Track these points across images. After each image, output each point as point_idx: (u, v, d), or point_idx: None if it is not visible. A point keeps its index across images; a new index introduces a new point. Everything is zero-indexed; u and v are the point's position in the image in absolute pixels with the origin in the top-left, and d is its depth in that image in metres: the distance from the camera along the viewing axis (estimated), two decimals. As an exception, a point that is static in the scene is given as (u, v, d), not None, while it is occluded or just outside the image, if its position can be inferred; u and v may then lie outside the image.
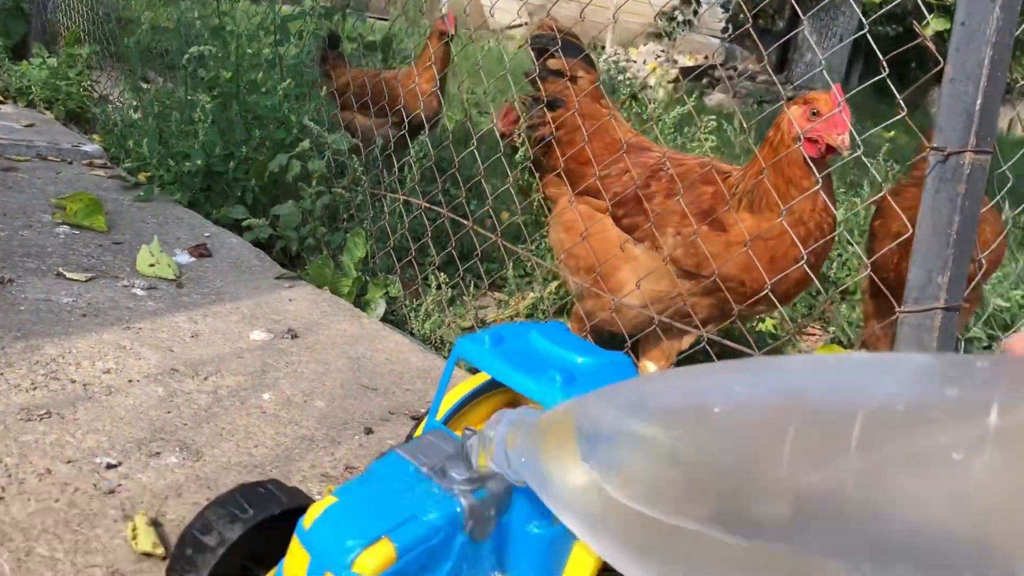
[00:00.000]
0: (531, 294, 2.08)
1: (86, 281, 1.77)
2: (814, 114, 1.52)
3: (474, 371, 0.99)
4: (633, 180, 1.75)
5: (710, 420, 0.50)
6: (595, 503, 0.57)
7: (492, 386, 0.96)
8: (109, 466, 1.13)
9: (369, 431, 1.34)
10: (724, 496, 0.48)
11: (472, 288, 2.24)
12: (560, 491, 0.63)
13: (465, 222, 1.91)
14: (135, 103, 3.09)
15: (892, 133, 4.39)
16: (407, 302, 2.13)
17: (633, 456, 0.55)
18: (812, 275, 1.56)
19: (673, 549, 0.51)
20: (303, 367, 1.54)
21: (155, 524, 1.01)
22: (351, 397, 1.46)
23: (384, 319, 2.00)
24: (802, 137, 1.53)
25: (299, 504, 0.83)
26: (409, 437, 1.02)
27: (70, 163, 2.74)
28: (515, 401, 0.97)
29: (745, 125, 2.84)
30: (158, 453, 1.18)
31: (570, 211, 1.82)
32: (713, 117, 3.33)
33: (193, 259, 2.03)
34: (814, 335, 2.75)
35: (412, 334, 1.99)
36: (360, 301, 2.05)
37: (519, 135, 2.06)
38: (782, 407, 0.47)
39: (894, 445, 0.42)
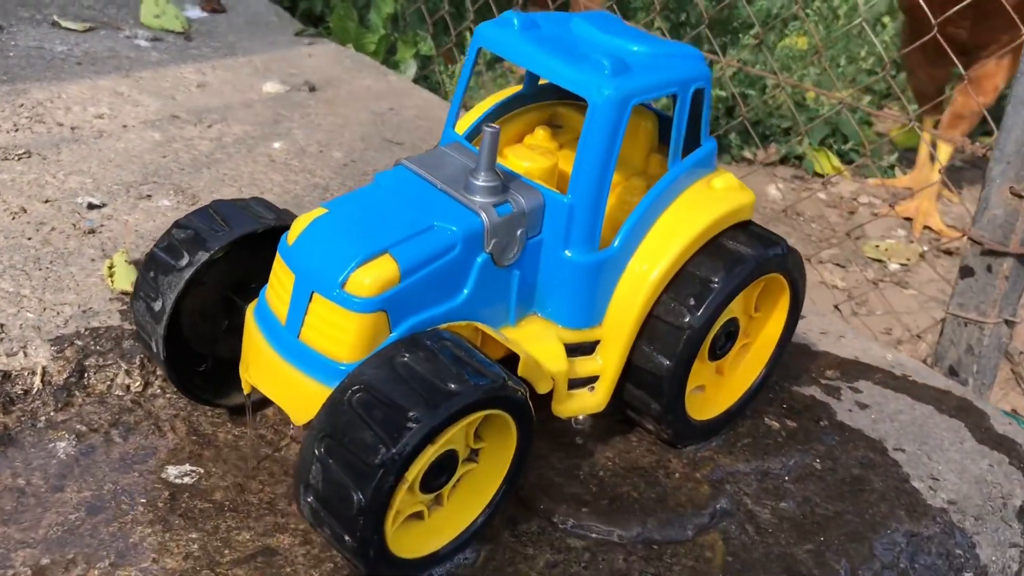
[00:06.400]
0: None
1: (84, 31, 1.60)
2: None
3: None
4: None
5: None
6: None
7: (525, 99, 0.78)
8: (92, 206, 0.99)
9: (391, 183, 1.19)
10: None
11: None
12: None
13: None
14: None
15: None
16: (442, 67, 1.92)
17: None
18: None
19: None
20: (320, 119, 1.37)
21: (137, 264, 0.88)
22: (372, 150, 1.30)
23: (415, 83, 1.81)
24: None
25: (288, 223, 0.68)
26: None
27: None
28: (553, 118, 0.80)
29: None
30: (149, 196, 1.04)
31: None
32: None
33: (205, 14, 1.83)
34: (891, 115, 2.50)
35: (446, 98, 1.81)
36: (389, 62, 1.86)
37: None
38: None
39: None
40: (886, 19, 2.56)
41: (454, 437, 0.57)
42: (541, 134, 0.76)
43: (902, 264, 1.78)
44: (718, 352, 0.74)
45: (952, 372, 1.13)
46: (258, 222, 0.67)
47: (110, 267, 0.86)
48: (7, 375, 0.73)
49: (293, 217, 0.69)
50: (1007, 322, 1.09)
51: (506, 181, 0.64)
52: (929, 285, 1.73)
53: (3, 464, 0.66)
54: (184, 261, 0.65)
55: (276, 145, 1.25)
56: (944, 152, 1.96)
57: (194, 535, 0.62)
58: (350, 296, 0.58)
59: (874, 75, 2.30)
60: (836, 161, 2.16)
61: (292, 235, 0.62)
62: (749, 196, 0.71)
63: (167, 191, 1.06)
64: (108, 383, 0.75)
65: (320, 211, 0.63)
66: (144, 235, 0.95)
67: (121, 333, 0.78)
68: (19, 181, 1.03)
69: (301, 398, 0.60)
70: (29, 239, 0.91)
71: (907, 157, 2.29)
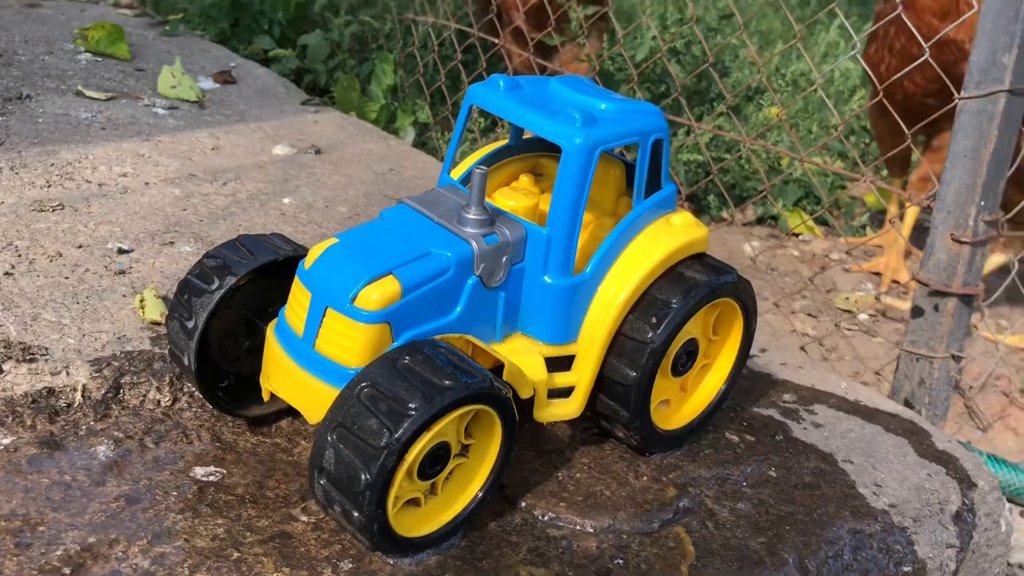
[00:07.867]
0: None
1: (106, 100, 1.73)
2: None
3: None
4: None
5: None
6: None
7: (512, 151, 0.89)
8: (121, 251, 1.10)
9: (391, 234, 1.30)
10: None
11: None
12: None
13: (496, 40, 1.82)
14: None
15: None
16: (439, 134, 2.05)
17: None
18: None
19: None
20: (326, 178, 1.49)
21: (165, 299, 0.98)
22: (374, 205, 1.41)
23: (414, 147, 1.94)
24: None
25: (304, 254, 0.79)
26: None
27: (96, 3, 2.66)
28: (536, 168, 0.91)
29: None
30: (172, 243, 1.15)
31: None
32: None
33: (217, 85, 1.97)
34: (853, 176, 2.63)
35: (442, 161, 1.93)
36: (390, 129, 1.99)
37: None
38: None
39: None
40: (861, 91, 2.71)
41: (447, 429, 0.67)
42: (525, 180, 0.87)
43: (870, 315, 1.89)
44: (680, 369, 0.84)
45: (907, 404, 1.22)
46: (278, 252, 0.78)
47: (141, 300, 0.96)
48: (52, 391, 0.83)
49: (307, 250, 0.79)
50: (954, 357, 1.19)
51: (493, 216, 0.75)
52: (895, 334, 1.83)
53: (51, 464, 0.75)
54: (215, 285, 0.75)
55: (286, 200, 1.36)
56: (910, 213, 2.09)
57: (220, 521, 0.71)
58: (359, 310, 0.69)
59: (846, 141, 2.44)
60: (810, 221, 2.28)
61: (309, 260, 0.73)
62: (703, 231, 0.82)
63: (188, 239, 1.17)
64: (141, 398, 0.84)
65: (332, 240, 0.74)
66: (169, 276, 1.06)
67: (152, 356, 0.88)
68: (54, 230, 1.14)
69: (316, 400, 0.70)
70: (66, 278, 1.02)
71: (879, 219, 2.41)
